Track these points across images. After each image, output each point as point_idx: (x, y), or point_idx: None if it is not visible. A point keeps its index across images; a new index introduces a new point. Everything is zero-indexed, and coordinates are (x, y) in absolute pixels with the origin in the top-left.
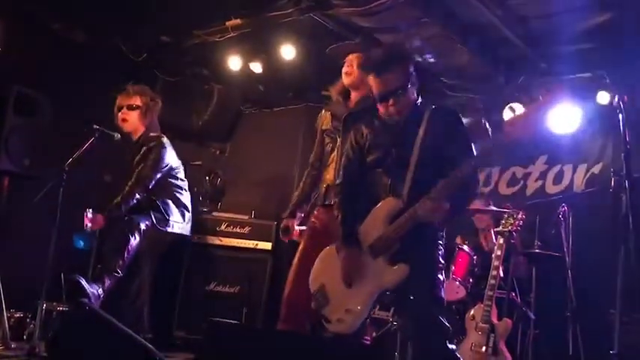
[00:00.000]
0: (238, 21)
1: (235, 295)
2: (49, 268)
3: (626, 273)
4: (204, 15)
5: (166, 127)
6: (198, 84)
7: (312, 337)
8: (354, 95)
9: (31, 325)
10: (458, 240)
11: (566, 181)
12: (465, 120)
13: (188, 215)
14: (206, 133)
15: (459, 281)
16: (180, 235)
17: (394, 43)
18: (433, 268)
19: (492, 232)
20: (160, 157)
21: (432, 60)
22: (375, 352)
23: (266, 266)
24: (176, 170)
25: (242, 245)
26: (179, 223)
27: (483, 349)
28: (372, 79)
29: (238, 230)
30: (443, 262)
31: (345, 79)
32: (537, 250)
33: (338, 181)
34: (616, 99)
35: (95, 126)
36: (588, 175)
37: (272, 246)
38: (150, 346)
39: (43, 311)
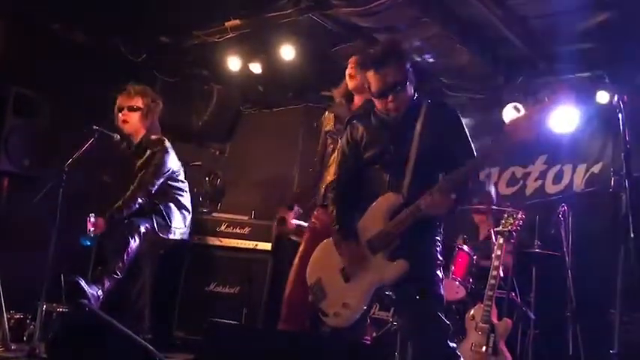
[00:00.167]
0: (238, 21)
1: (235, 296)
2: (48, 269)
3: (626, 273)
4: (203, 16)
5: (166, 128)
6: (197, 84)
7: (312, 337)
8: (357, 99)
9: (31, 326)
10: (458, 240)
11: (565, 181)
12: (465, 120)
13: (189, 218)
14: (206, 133)
15: (459, 281)
16: (181, 240)
17: (391, 39)
18: (432, 265)
19: (492, 231)
20: (162, 162)
21: (431, 60)
22: (375, 352)
23: (266, 267)
24: (177, 173)
25: (242, 246)
26: (180, 229)
27: (483, 349)
28: (371, 76)
29: (238, 231)
30: (441, 258)
31: (350, 83)
32: (537, 250)
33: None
34: (615, 99)
35: (95, 127)
36: (588, 174)
37: (272, 246)
38: (150, 346)
39: (43, 312)
